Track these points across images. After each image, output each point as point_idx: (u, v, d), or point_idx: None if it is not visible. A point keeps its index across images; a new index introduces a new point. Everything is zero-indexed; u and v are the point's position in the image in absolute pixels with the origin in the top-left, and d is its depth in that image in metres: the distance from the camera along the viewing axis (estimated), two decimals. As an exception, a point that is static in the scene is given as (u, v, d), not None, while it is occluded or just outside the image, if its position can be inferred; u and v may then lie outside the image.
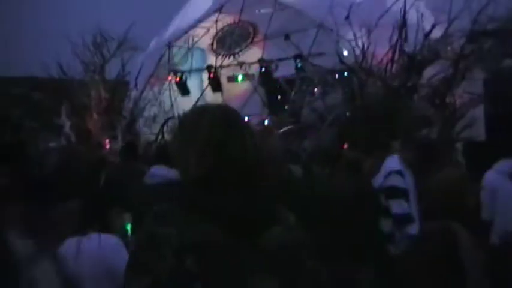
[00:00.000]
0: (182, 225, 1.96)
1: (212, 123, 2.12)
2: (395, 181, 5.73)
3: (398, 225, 5.64)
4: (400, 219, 5.62)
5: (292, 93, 18.01)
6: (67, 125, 14.48)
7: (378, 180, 5.97)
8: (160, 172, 5.64)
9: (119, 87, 17.28)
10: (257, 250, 2.00)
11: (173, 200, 2.11)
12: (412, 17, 11.52)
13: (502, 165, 6.76)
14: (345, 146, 9.75)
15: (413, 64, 11.09)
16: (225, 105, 2.33)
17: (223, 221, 1.98)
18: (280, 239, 2.05)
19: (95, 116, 15.48)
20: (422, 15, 11.52)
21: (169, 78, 21.36)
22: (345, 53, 13.14)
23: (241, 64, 20.60)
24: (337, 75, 12.98)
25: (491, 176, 6.66)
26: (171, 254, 1.93)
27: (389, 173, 5.78)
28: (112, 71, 16.79)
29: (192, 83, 21.56)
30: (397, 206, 5.64)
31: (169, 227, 1.97)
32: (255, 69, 20.14)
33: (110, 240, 3.81)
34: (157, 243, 1.97)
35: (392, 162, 5.99)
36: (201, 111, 2.30)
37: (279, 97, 19.42)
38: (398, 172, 5.78)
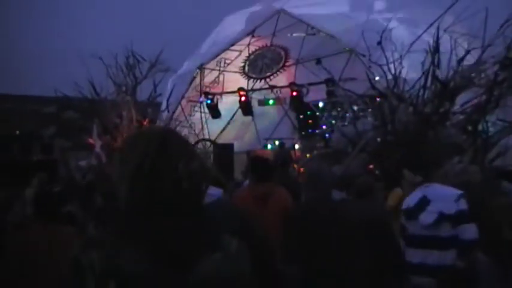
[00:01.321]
0: (108, 250, 1.93)
1: (144, 150, 2.08)
2: (465, 205, 5.65)
3: (468, 250, 5.55)
4: (473, 244, 5.53)
5: (323, 117, 17.98)
6: (98, 144, 14.57)
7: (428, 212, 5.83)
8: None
9: (151, 108, 17.40)
10: (185, 280, 1.94)
11: (107, 225, 2.08)
12: (445, 42, 11.43)
13: None
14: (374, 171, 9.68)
15: (446, 90, 10.98)
16: (165, 129, 2.27)
17: (150, 249, 1.92)
18: (214, 269, 1.98)
19: (125, 136, 15.58)
20: (455, 41, 11.43)
21: (201, 100, 21.49)
22: (377, 78, 13.09)
23: (272, 88, 20.66)
24: (368, 101, 12.91)
25: None
26: (93, 279, 1.91)
27: (459, 197, 5.67)
28: (144, 92, 16.94)
29: (223, 106, 21.65)
30: (471, 231, 5.54)
31: (94, 253, 1.94)
32: (286, 93, 20.19)
33: None
34: (82, 268, 1.94)
35: (447, 188, 5.91)
36: (137, 135, 2.26)
37: (309, 121, 19.40)
38: (464, 196, 5.69)
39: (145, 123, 16.18)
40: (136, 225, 1.98)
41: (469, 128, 11.08)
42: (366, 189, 6.10)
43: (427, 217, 5.70)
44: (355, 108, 13.82)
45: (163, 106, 18.79)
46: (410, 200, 5.91)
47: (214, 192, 5.73)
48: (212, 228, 2.06)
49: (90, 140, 14.75)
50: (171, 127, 2.47)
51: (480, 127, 11.07)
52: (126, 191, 2.03)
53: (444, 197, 5.81)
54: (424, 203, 5.78)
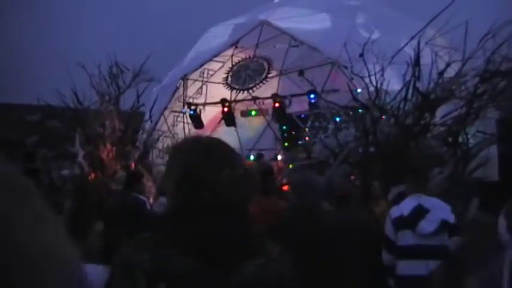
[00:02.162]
0: (155, 253, 1.99)
1: (187, 159, 2.15)
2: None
3: None
4: None
5: (306, 129, 18.06)
6: (81, 153, 14.53)
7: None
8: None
9: (134, 118, 17.37)
10: (229, 283, 2.01)
11: (154, 230, 2.14)
12: (426, 55, 11.56)
13: None
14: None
15: (427, 102, 11.09)
16: (207, 139, 2.35)
17: (195, 252, 2.00)
18: (256, 272, 2.04)
19: (108, 145, 15.55)
20: (436, 53, 11.56)
21: (184, 110, 21.52)
22: (359, 90, 13.20)
23: (255, 99, 20.73)
24: (350, 112, 12.99)
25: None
26: (144, 279, 1.96)
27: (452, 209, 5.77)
28: (127, 102, 16.91)
29: (206, 117, 21.69)
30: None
31: (143, 255, 1.99)
32: (268, 104, 20.27)
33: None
34: (131, 269, 1.99)
35: (437, 199, 5.96)
36: (180, 145, 2.36)
37: (292, 132, 19.49)
38: None
39: (128, 133, 16.17)
40: (182, 229, 2.04)
41: (450, 139, 11.18)
42: (345, 199, 6.13)
43: (428, 225, 5.66)
44: (337, 119, 13.93)
45: (147, 116, 18.78)
46: (402, 209, 5.85)
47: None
48: (255, 234, 2.16)
49: (73, 150, 14.70)
50: (213, 137, 2.52)
51: (460, 139, 11.18)
52: (171, 198, 2.11)
53: (441, 206, 5.82)
54: (421, 211, 5.74)
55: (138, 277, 1.97)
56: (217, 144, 2.26)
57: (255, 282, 2.03)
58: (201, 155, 2.15)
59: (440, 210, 5.76)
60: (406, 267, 5.65)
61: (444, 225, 5.64)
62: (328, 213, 5.67)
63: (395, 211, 5.87)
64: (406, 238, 5.70)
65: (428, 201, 5.82)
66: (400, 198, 6.88)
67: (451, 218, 5.70)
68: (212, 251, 2.02)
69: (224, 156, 2.19)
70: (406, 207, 5.82)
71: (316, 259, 4.79)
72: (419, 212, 5.69)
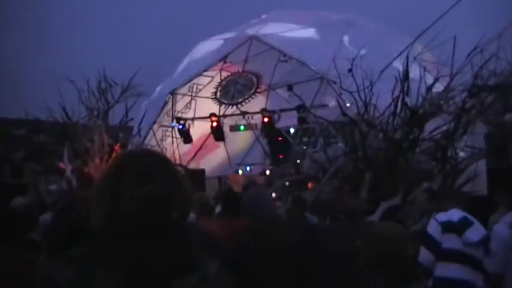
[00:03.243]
0: (78, 271, 1.93)
1: (108, 171, 2.11)
2: None
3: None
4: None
5: (294, 144, 18.06)
6: (69, 168, 14.46)
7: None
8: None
9: (122, 132, 17.34)
10: None
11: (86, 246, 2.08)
12: (414, 70, 11.62)
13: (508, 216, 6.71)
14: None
15: (415, 117, 11.12)
16: (135, 151, 2.30)
17: (122, 271, 1.91)
18: None
19: (96, 160, 15.50)
20: (424, 68, 11.62)
21: (172, 125, 21.47)
22: (348, 104, 13.22)
23: (244, 114, 20.71)
24: (339, 127, 13.01)
25: (500, 229, 6.60)
26: None
27: None
28: (116, 116, 16.89)
29: (195, 131, 21.65)
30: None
31: (68, 271, 1.94)
32: (257, 119, 20.25)
33: None
34: (47, 285, 1.96)
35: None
36: (114, 158, 2.32)
37: (280, 147, 19.48)
38: None
39: (116, 147, 16.12)
40: (109, 247, 1.98)
41: (438, 154, 11.21)
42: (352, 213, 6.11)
43: (474, 234, 5.77)
44: (326, 134, 13.94)
45: (135, 131, 18.73)
46: (450, 216, 5.94)
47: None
48: (189, 251, 2.04)
49: (61, 164, 14.63)
50: (149, 150, 2.44)
51: (449, 153, 11.21)
52: (96, 212, 2.05)
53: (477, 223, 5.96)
54: (469, 221, 5.85)
55: None
56: (144, 157, 2.16)
57: None
58: (119, 167, 2.10)
59: (480, 226, 5.91)
60: (446, 269, 5.74)
61: (486, 240, 5.78)
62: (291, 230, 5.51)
63: (442, 216, 5.97)
64: (451, 242, 5.79)
65: (470, 216, 5.97)
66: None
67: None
68: (140, 269, 1.93)
69: (141, 172, 2.09)
70: (454, 215, 5.93)
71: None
72: (467, 222, 5.81)
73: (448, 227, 5.86)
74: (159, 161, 2.18)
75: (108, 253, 1.95)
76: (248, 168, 20.11)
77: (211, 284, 2.01)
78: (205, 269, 2.03)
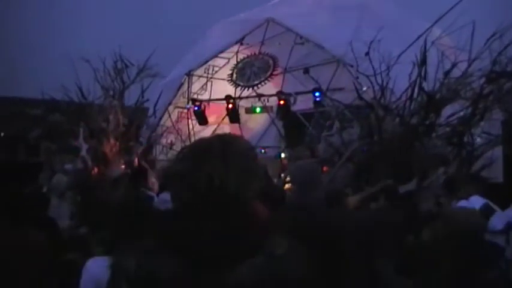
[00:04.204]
0: (143, 258, 1.94)
1: (181, 158, 2.11)
2: None
3: None
4: None
5: (310, 127, 18.03)
6: (84, 148, 14.49)
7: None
8: (167, 198, 5.67)
9: (138, 113, 17.35)
10: (220, 284, 1.93)
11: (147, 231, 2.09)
12: (432, 55, 11.51)
13: None
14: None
15: (432, 102, 11.03)
16: (209, 138, 2.27)
17: (187, 252, 1.93)
18: (252, 273, 1.93)
19: (112, 140, 15.52)
20: (442, 53, 11.51)
21: (188, 106, 21.51)
22: (364, 88, 13.14)
23: (259, 96, 20.70)
24: (355, 111, 12.94)
25: None
26: (125, 285, 1.92)
27: None
28: (131, 96, 16.88)
29: (211, 113, 21.67)
30: None
31: (130, 260, 1.94)
32: (273, 101, 20.24)
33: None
34: (116, 274, 1.96)
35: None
36: (184, 147, 2.31)
37: (296, 130, 19.44)
38: None
39: (132, 128, 16.14)
40: (173, 229, 1.99)
41: (455, 139, 11.14)
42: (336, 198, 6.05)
43: (498, 222, 5.74)
44: (342, 118, 13.87)
45: (151, 112, 18.75)
46: (474, 204, 5.90)
47: (166, 197, 5.71)
48: (257, 232, 2.05)
49: (76, 143, 14.67)
50: (225, 135, 2.44)
51: (465, 139, 11.14)
52: (172, 199, 2.07)
53: (498, 209, 5.92)
54: (491, 208, 5.82)
55: (120, 283, 1.93)
56: (218, 143, 2.17)
57: (251, 284, 1.92)
58: (193, 154, 2.10)
59: (503, 213, 5.87)
60: None
61: (509, 226, 5.75)
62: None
63: (465, 204, 5.94)
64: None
65: (490, 203, 5.93)
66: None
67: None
68: (204, 251, 1.95)
69: (204, 155, 2.12)
70: (476, 202, 5.90)
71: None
72: (490, 209, 5.78)
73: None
74: (226, 145, 2.19)
75: (175, 236, 1.96)
76: (262, 151, 20.09)
77: (280, 263, 1.95)
78: (273, 249, 1.99)
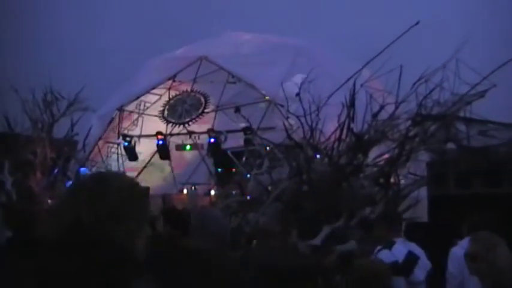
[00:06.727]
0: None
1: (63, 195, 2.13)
2: None
3: None
4: None
5: (240, 165, 18.07)
6: (9, 181, 14.11)
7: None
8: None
9: (66, 147, 17.04)
10: None
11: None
12: (361, 97, 11.76)
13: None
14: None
15: (360, 143, 11.23)
16: (89, 176, 2.27)
17: (35, 284, 1.89)
18: None
19: (38, 174, 15.18)
20: (371, 96, 11.77)
21: (118, 142, 21.29)
22: (294, 128, 13.28)
23: (190, 133, 20.68)
24: (284, 150, 13.04)
25: (458, 251, 6.65)
26: None
27: None
28: (61, 130, 16.58)
29: (141, 149, 21.50)
30: None
31: None
32: (204, 139, 20.25)
33: None
34: None
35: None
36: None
37: (226, 168, 19.44)
38: None
39: (59, 161, 15.85)
40: (30, 263, 1.95)
41: (381, 180, 11.34)
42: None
43: (421, 273, 5.73)
44: (271, 156, 13.95)
45: (80, 146, 18.46)
46: (396, 255, 5.83)
47: None
48: (111, 272, 1.97)
49: (1, 176, 14.27)
50: (105, 173, 2.38)
51: (392, 179, 11.35)
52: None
53: (422, 252, 5.93)
54: (414, 258, 5.79)
55: None
56: (82, 181, 2.17)
57: None
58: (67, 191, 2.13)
59: (424, 257, 5.89)
60: None
61: (429, 272, 5.79)
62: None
63: (388, 255, 5.86)
64: (399, 284, 5.71)
65: (413, 247, 5.93)
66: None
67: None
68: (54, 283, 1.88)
69: (75, 192, 2.11)
70: (399, 253, 5.85)
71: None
72: (413, 259, 5.76)
73: (395, 270, 5.78)
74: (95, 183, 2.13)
75: (29, 269, 1.92)
76: (193, 188, 19.98)
77: None
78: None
